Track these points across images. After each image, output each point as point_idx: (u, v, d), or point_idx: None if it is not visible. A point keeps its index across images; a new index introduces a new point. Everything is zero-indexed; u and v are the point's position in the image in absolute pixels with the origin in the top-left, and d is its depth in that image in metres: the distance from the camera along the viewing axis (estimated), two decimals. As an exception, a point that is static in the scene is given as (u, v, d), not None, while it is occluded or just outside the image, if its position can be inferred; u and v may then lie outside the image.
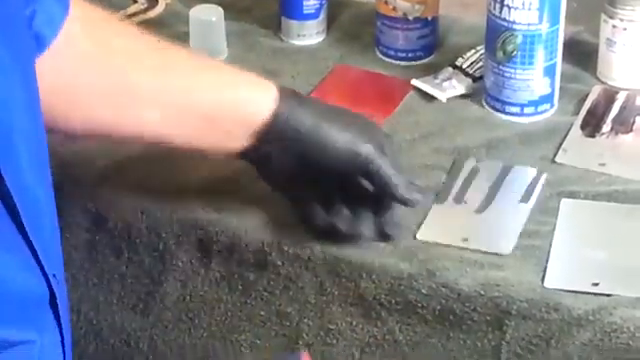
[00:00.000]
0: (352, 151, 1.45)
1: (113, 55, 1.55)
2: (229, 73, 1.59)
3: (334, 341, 1.53)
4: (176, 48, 1.64)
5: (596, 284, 1.44)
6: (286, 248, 1.52)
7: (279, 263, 1.53)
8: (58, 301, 1.26)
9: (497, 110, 1.70)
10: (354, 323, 1.51)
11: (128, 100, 1.52)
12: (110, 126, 1.55)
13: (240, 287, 1.55)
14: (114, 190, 1.60)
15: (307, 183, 1.48)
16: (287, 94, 1.50)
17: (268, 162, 1.48)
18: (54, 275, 1.25)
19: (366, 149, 1.44)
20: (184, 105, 1.54)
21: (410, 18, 1.77)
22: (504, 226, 1.54)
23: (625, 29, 1.68)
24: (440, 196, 1.57)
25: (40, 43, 1.46)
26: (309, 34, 1.85)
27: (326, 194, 1.50)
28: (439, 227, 1.53)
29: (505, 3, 1.63)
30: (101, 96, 1.53)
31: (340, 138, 1.47)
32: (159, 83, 1.57)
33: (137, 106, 1.53)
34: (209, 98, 1.53)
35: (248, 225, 1.55)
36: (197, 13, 1.80)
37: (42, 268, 1.22)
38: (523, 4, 1.62)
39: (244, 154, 1.50)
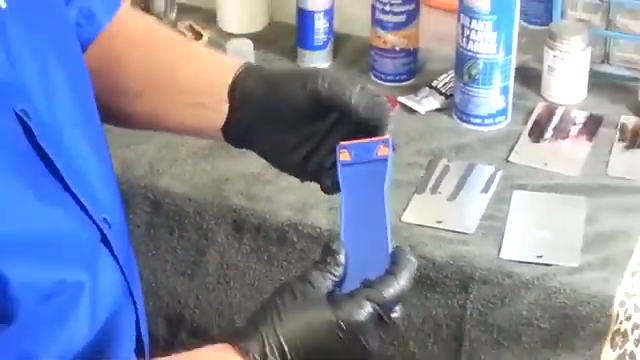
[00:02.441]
0: (312, 85, 1.25)
1: (156, 41, 1.46)
2: (214, 61, 1.43)
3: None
4: (190, 45, 1.55)
5: (540, 256, 1.46)
6: (300, 228, 1.52)
7: (295, 239, 1.53)
8: (110, 240, 1.20)
9: (464, 121, 1.69)
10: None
11: (167, 83, 1.39)
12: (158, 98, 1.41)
13: (265, 258, 1.55)
14: (168, 182, 1.60)
15: (294, 148, 1.29)
16: (247, 65, 1.34)
17: (250, 133, 1.33)
18: (104, 219, 1.19)
19: (321, 81, 1.23)
20: (170, 85, 1.39)
21: (397, 49, 1.76)
22: (469, 211, 1.54)
23: (562, 59, 1.68)
24: (419, 188, 1.57)
25: (96, 24, 1.40)
26: (319, 61, 1.83)
27: (308, 152, 1.29)
28: (419, 212, 1.53)
29: (470, 37, 1.63)
30: (143, 77, 1.41)
31: (298, 79, 1.28)
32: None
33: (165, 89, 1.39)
34: (188, 77, 1.37)
35: (272, 210, 1.55)
36: (232, 45, 1.79)
37: (88, 213, 1.17)
38: (484, 38, 1.62)
39: (228, 131, 1.33)
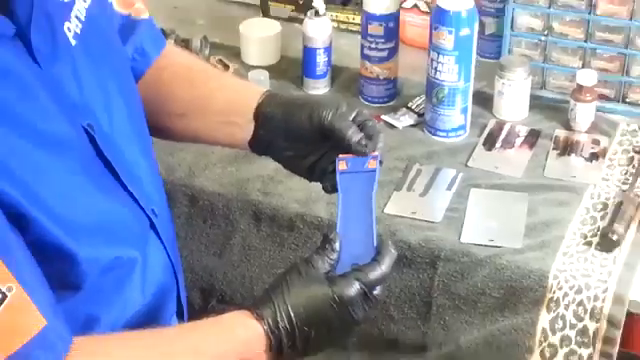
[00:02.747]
0: (317, 116, 1.26)
1: (195, 72, 1.43)
2: (241, 87, 1.42)
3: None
4: (221, 75, 1.57)
5: (491, 240, 1.46)
6: (306, 218, 1.52)
7: (301, 227, 1.53)
8: (157, 227, 1.21)
9: (432, 134, 1.68)
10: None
11: (205, 106, 1.38)
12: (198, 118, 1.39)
13: (278, 241, 1.55)
14: (202, 182, 1.60)
15: (303, 158, 1.29)
16: (269, 92, 1.33)
17: (270, 146, 1.31)
18: (152, 210, 1.20)
19: (325, 113, 1.25)
20: (207, 108, 1.38)
21: (381, 78, 1.75)
22: (437, 205, 1.53)
23: (509, 85, 1.68)
24: (398, 186, 1.56)
25: (147, 59, 1.39)
26: (320, 87, 1.80)
27: (315, 161, 1.29)
28: (397, 205, 1.53)
29: (437, 69, 1.62)
30: (186, 100, 1.40)
31: (307, 109, 1.27)
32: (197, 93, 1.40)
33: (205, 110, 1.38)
34: (222, 101, 1.36)
35: (283, 204, 1.55)
36: (253, 74, 1.78)
37: (139, 206, 1.18)
38: (448, 69, 1.62)
39: (253, 144, 1.33)
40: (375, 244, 1.11)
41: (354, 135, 1.20)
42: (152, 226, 1.21)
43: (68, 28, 1.16)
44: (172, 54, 1.43)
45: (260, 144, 1.29)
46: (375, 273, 1.09)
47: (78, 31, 1.17)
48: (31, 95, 1.06)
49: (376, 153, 1.17)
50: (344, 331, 1.13)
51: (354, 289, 1.08)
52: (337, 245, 1.11)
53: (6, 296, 0.97)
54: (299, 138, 1.26)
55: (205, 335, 1.12)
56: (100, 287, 1.13)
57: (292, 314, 1.08)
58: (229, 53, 1.86)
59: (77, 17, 1.18)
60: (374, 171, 1.15)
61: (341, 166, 1.16)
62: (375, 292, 1.10)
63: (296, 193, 1.54)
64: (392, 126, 1.71)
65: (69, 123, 1.10)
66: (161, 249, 1.25)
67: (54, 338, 1.00)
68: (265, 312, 1.08)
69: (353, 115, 1.24)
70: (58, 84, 1.11)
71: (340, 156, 1.17)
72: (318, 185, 1.25)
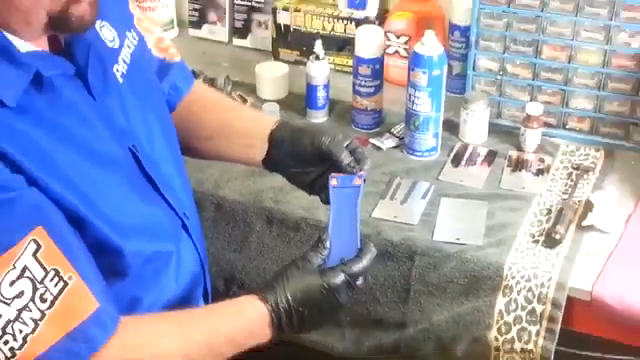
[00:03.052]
0: (317, 142, 1.26)
1: (220, 104, 1.44)
2: (257, 117, 1.43)
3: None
4: (241, 107, 1.59)
5: (458, 239, 1.46)
6: (309, 221, 1.52)
7: (305, 228, 1.52)
8: (189, 227, 1.23)
9: (410, 154, 1.67)
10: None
11: (228, 131, 1.39)
12: (222, 144, 1.40)
13: (286, 240, 1.54)
14: (226, 193, 1.59)
15: (305, 175, 1.30)
16: (280, 121, 1.35)
17: (280, 164, 1.32)
18: (184, 213, 1.22)
19: (324, 140, 1.26)
20: (230, 133, 1.38)
21: (369, 109, 1.75)
22: (414, 210, 1.53)
23: (472, 115, 1.68)
24: (382, 195, 1.55)
25: (179, 94, 1.39)
26: (320, 117, 1.80)
27: (315, 178, 1.30)
28: (382, 210, 1.52)
29: (414, 102, 1.62)
30: (212, 127, 1.40)
31: (310, 136, 1.29)
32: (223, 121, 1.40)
33: (228, 135, 1.38)
34: (242, 128, 1.36)
35: (290, 210, 1.54)
36: (266, 106, 1.78)
37: (174, 210, 1.20)
38: (423, 102, 1.61)
39: (266, 163, 1.33)
40: (359, 244, 1.13)
41: (345, 158, 1.23)
42: (184, 227, 1.22)
43: (116, 69, 1.17)
44: (201, 90, 1.44)
45: (272, 162, 1.31)
46: (358, 266, 1.11)
47: (124, 72, 1.18)
48: (89, 122, 1.08)
49: (362, 173, 1.20)
50: (332, 312, 1.14)
51: (340, 279, 1.09)
52: (328, 244, 1.13)
53: (67, 283, 0.98)
54: (303, 159, 1.28)
55: (222, 314, 1.14)
56: (142, 275, 1.14)
57: (290, 298, 1.10)
58: (247, 89, 1.86)
59: (123, 60, 1.19)
60: (359, 187, 1.18)
61: (333, 182, 1.19)
62: (358, 282, 1.12)
63: (301, 201, 1.52)
64: (378, 148, 1.71)
65: (118, 145, 1.12)
66: (191, 245, 1.25)
67: (105, 317, 1.02)
68: (269, 296, 1.10)
69: (346, 143, 1.26)
70: (109, 114, 1.12)
71: (332, 174, 1.20)
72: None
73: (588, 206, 1.48)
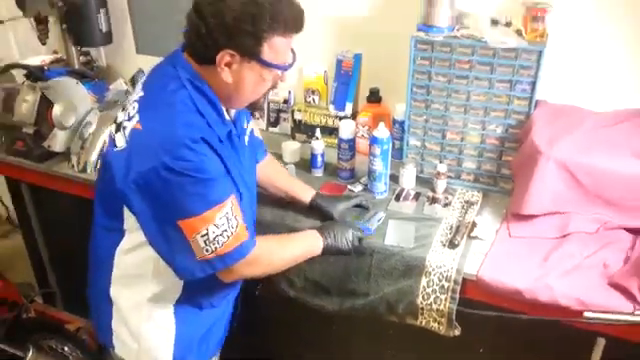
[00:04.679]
0: (335, 210, 1.40)
1: (274, 165, 1.48)
2: (302, 185, 1.51)
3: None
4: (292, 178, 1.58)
5: (399, 243, 1.43)
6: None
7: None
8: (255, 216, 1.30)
9: (372, 193, 1.64)
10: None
11: (285, 183, 1.47)
12: (277, 187, 1.47)
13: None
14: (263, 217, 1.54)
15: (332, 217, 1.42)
16: (317, 191, 1.43)
17: (319, 206, 1.42)
18: (253, 211, 1.28)
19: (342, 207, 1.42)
20: (287, 193, 1.46)
21: (347, 168, 1.71)
22: (374, 226, 1.49)
23: (406, 171, 1.66)
24: (356, 218, 1.53)
25: (259, 157, 1.42)
26: (319, 173, 1.73)
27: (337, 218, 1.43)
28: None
29: (373, 163, 1.60)
30: (276, 176, 1.47)
31: (335, 203, 1.41)
32: (279, 180, 1.49)
33: (279, 184, 1.47)
34: (294, 194, 1.45)
35: (313, 224, 1.48)
36: (288, 167, 1.73)
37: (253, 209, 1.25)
38: (378, 164, 1.60)
39: (311, 204, 1.43)
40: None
41: (338, 216, 1.41)
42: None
43: (244, 139, 1.24)
44: (270, 158, 1.49)
45: (312, 206, 1.45)
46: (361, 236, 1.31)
47: (246, 142, 1.24)
48: (239, 158, 1.17)
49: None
50: (346, 251, 1.30)
51: (353, 235, 1.30)
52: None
53: (239, 223, 1.10)
54: (326, 215, 1.42)
55: (303, 239, 1.29)
56: (249, 218, 1.23)
57: (332, 234, 1.28)
58: (277, 156, 1.82)
59: (246, 134, 1.26)
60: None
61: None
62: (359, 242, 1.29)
63: (308, 223, 1.49)
64: (352, 190, 1.67)
65: (251, 172, 1.26)
66: (253, 229, 1.28)
67: (250, 241, 1.14)
68: (323, 233, 1.28)
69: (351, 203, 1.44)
70: (243, 157, 1.20)
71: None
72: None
73: (474, 224, 1.48)
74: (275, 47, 1.02)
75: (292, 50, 1.08)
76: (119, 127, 1.08)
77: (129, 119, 1.06)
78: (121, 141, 1.06)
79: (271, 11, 0.99)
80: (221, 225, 1.06)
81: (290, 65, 1.08)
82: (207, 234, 1.05)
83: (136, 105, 1.06)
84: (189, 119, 1.03)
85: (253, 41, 1.00)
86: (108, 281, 1.18)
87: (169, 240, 1.05)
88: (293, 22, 1.03)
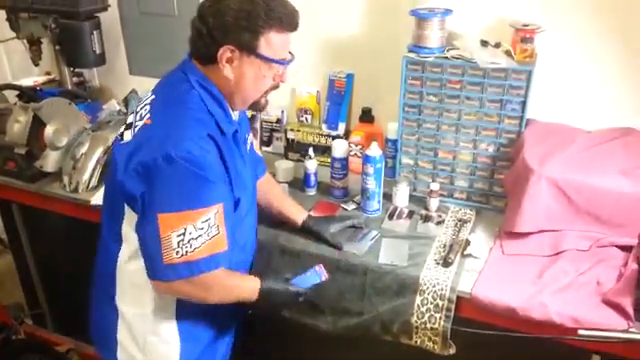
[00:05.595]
0: (328, 230, 1.40)
1: (271, 184, 1.48)
2: (296, 209, 1.49)
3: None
4: (286, 197, 1.53)
5: (392, 261, 1.43)
6: (314, 251, 1.45)
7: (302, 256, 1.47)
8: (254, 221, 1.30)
9: (364, 212, 1.63)
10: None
11: (280, 203, 1.48)
12: (272, 206, 1.46)
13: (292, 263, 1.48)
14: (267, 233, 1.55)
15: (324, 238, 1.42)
16: (309, 214, 1.43)
17: (310, 228, 1.43)
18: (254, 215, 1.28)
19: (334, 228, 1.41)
20: (281, 212, 1.46)
21: (340, 187, 1.69)
22: (367, 245, 1.49)
23: (399, 190, 1.66)
24: (350, 238, 1.51)
25: (259, 174, 1.42)
26: (312, 192, 1.73)
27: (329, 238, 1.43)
28: (349, 246, 1.48)
29: (366, 182, 1.61)
30: (271, 196, 1.46)
31: (327, 224, 1.41)
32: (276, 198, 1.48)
33: (274, 203, 1.46)
34: (288, 213, 1.45)
35: (303, 244, 1.48)
36: (282, 185, 1.73)
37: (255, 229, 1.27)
38: (371, 183, 1.59)
39: (302, 226, 1.44)
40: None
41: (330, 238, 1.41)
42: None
43: (247, 145, 1.27)
44: (268, 176, 1.49)
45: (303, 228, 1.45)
46: (301, 290, 1.25)
47: (247, 150, 1.26)
48: (240, 156, 1.17)
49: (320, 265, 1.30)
50: (283, 306, 1.27)
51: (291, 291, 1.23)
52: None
53: (219, 232, 1.07)
54: (317, 237, 1.42)
55: (247, 282, 1.20)
56: (242, 230, 1.25)
57: (269, 287, 1.19)
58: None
59: (247, 142, 1.28)
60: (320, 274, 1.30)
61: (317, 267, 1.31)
62: (300, 299, 1.23)
63: (302, 240, 1.49)
64: (345, 209, 1.67)
65: (250, 175, 1.24)
66: (254, 234, 1.34)
67: (225, 257, 1.10)
68: (263, 282, 1.19)
69: (329, 234, 1.42)
70: (245, 159, 1.22)
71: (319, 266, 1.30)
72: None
73: (467, 243, 1.48)
74: (272, 43, 1.06)
75: (291, 52, 1.12)
76: (129, 127, 1.12)
77: (140, 119, 1.09)
78: (128, 136, 1.10)
79: (266, 8, 1.04)
80: (199, 229, 1.04)
81: (288, 61, 1.10)
82: (184, 234, 1.03)
83: (148, 107, 1.10)
84: (199, 116, 1.07)
85: (250, 35, 1.04)
86: (114, 292, 1.19)
87: (144, 232, 1.06)
88: (287, 19, 1.06)
